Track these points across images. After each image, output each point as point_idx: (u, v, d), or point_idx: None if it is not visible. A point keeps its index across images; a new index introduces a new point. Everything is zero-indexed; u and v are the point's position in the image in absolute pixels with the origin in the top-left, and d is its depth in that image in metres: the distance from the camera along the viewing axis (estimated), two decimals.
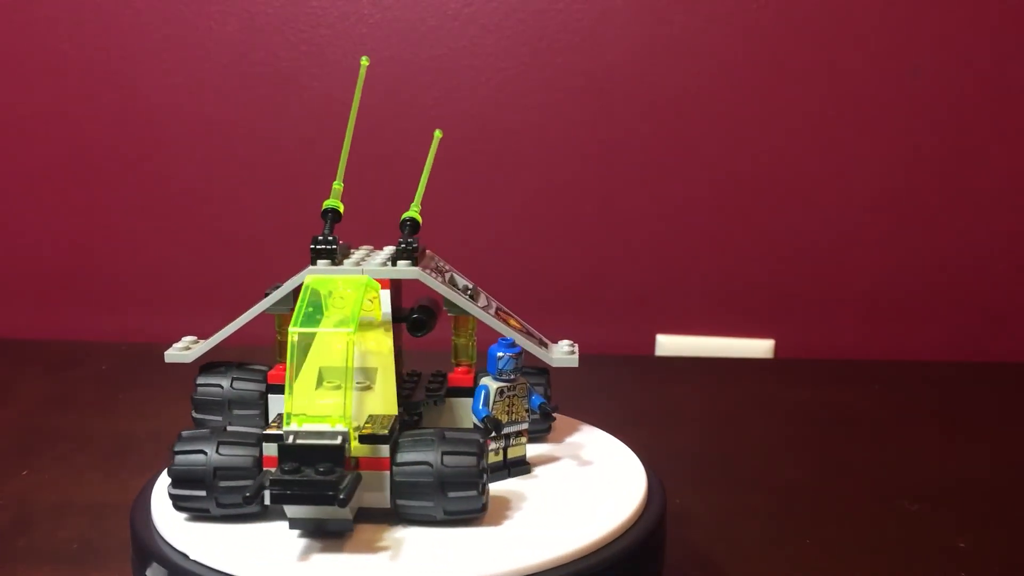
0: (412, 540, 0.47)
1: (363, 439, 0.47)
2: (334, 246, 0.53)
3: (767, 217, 1.13)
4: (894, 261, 1.13)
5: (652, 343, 1.16)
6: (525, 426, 0.54)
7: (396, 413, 0.50)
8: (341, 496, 0.43)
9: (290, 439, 0.45)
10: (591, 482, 0.54)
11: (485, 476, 0.48)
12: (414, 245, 0.54)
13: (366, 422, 0.49)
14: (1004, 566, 0.63)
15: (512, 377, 0.53)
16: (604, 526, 0.48)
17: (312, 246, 0.53)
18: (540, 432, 0.59)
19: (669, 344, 1.15)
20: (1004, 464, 0.81)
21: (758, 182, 1.12)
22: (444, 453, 0.47)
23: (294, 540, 0.47)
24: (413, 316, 0.56)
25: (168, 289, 1.16)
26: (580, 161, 1.12)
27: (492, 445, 0.52)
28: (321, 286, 0.50)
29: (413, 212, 0.58)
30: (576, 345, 0.58)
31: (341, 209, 0.58)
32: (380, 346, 0.52)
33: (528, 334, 0.56)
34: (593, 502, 0.51)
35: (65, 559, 0.62)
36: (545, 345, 0.57)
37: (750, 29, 1.08)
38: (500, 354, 0.52)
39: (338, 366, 0.47)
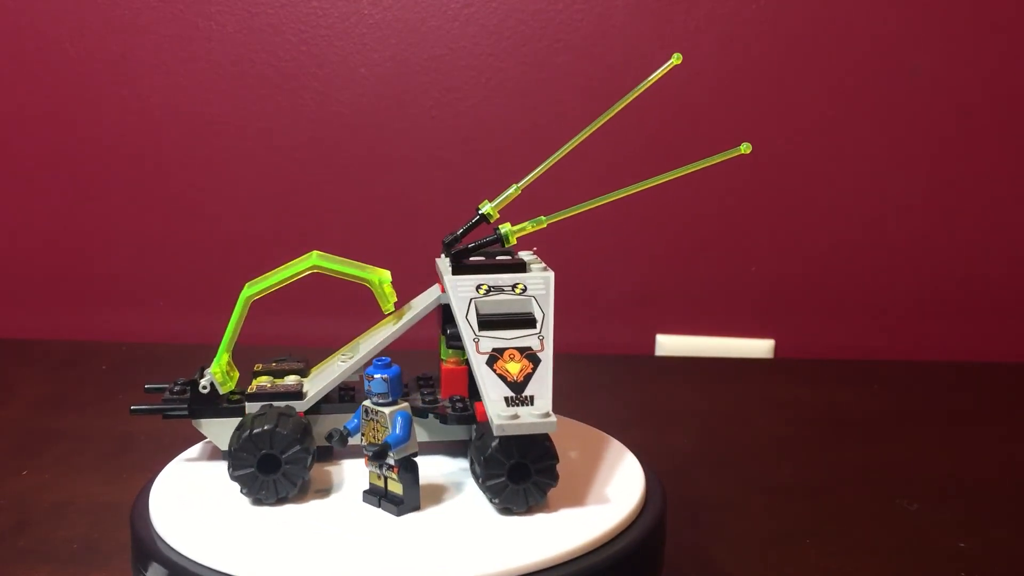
0: (412, 539, 0.47)
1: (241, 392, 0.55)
2: (447, 242, 0.57)
3: (767, 217, 1.13)
4: (894, 261, 1.13)
5: (652, 343, 1.16)
6: (389, 461, 0.50)
7: (324, 386, 0.55)
8: (132, 407, 0.55)
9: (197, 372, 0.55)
10: (590, 482, 0.54)
11: (237, 462, 0.50)
12: (457, 250, 0.55)
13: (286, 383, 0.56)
14: (1004, 566, 0.63)
15: (378, 401, 0.50)
16: (602, 526, 0.49)
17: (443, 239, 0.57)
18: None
19: (669, 344, 1.15)
20: (1004, 464, 0.81)
21: (758, 182, 1.12)
22: (238, 426, 0.52)
23: (294, 540, 0.47)
24: (448, 329, 0.55)
25: (168, 289, 1.17)
26: (579, 161, 1.12)
27: (370, 467, 0.51)
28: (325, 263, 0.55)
29: (508, 226, 0.57)
30: (549, 418, 0.48)
31: (488, 211, 0.57)
32: (377, 332, 0.56)
33: (512, 385, 0.50)
34: (591, 502, 0.51)
35: (65, 559, 0.62)
36: (517, 404, 0.49)
37: (751, 29, 1.08)
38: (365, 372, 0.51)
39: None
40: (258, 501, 0.51)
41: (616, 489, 0.53)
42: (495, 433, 0.48)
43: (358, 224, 1.14)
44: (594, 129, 0.59)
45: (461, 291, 0.53)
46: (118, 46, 1.12)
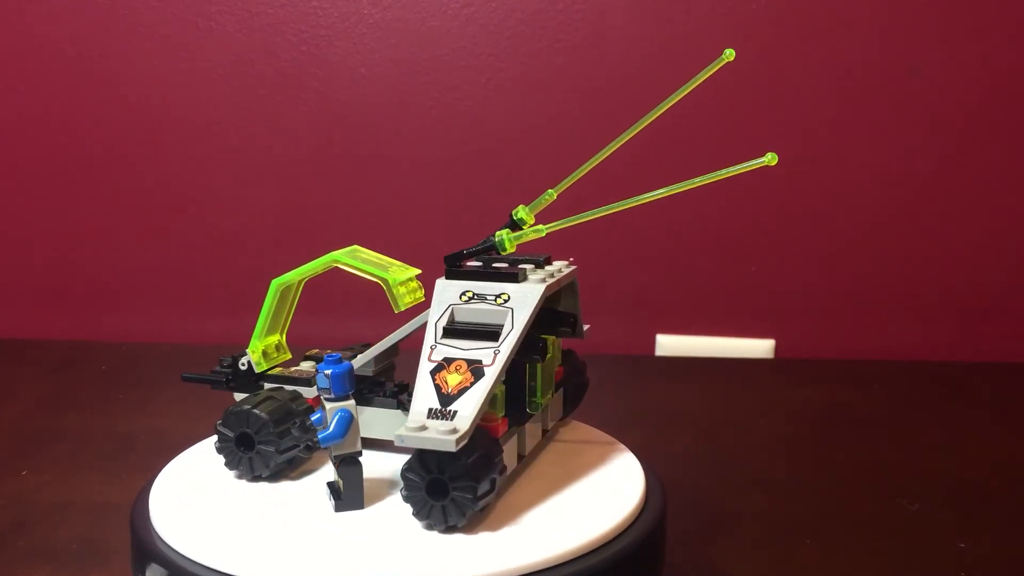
0: (411, 539, 0.47)
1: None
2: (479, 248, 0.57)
3: (767, 217, 1.13)
4: (894, 261, 1.13)
5: (652, 343, 1.16)
6: (336, 454, 0.50)
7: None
8: (184, 374, 0.60)
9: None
10: (590, 482, 0.54)
11: (219, 436, 0.53)
12: (449, 256, 0.54)
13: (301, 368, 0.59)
14: (1004, 566, 0.63)
15: (324, 396, 0.50)
16: (602, 526, 0.48)
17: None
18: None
19: (669, 344, 1.15)
20: (1004, 464, 0.81)
21: (758, 183, 1.12)
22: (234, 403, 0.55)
23: (294, 540, 0.47)
24: None
25: (168, 289, 1.17)
26: (580, 161, 1.12)
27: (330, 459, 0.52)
28: (345, 259, 0.56)
29: (506, 232, 0.55)
30: (452, 435, 0.45)
31: (519, 217, 0.57)
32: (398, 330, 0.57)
33: (443, 397, 0.48)
34: (591, 502, 0.51)
35: (65, 559, 0.62)
36: (437, 416, 0.47)
37: (751, 29, 1.08)
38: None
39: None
40: (239, 476, 0.54)
41: (616, 489, 0.53)
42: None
43: (357, 223, 1.14)
44: (636, 131, 0.58)
45: (443, 296, 0.52)
46: (118, 46, 1.12)
